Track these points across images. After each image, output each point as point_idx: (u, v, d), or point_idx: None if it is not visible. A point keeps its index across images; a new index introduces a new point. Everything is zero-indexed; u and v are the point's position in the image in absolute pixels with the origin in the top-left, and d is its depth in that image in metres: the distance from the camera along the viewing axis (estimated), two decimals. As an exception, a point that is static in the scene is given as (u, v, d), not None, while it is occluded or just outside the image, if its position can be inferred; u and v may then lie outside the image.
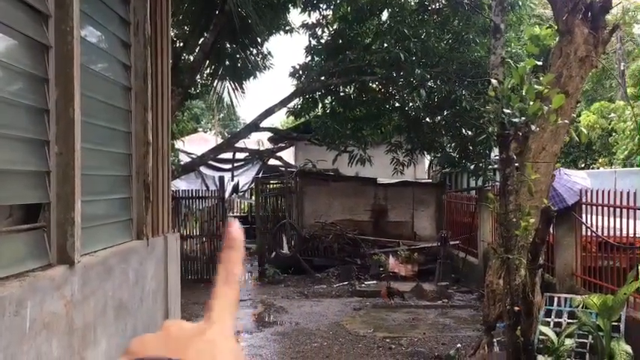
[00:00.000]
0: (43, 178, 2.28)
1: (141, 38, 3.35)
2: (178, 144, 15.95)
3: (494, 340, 6.98)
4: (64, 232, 2.36)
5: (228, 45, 11.84)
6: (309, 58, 12.44)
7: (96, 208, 2.86)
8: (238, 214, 22.81)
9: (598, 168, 17.65)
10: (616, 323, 6.41)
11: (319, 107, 12.97)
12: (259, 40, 12.35)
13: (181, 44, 11.74)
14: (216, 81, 12.32)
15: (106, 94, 2.99)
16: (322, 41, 12.40)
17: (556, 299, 7.36)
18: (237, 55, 12.29)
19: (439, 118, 12.37)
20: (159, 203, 3.65)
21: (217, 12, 10.22)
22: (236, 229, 0.65)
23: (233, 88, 12.64)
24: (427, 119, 12.35)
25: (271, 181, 15.82)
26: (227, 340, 0.56)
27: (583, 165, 19.16)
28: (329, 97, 12.83)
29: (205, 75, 12.44)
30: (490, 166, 11.60)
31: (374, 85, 12.74)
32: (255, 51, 12.82)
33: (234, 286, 0.63)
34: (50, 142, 2.29)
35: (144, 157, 3.37)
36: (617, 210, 7.19)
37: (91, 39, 2.85)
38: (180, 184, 14.60)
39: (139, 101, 3.33)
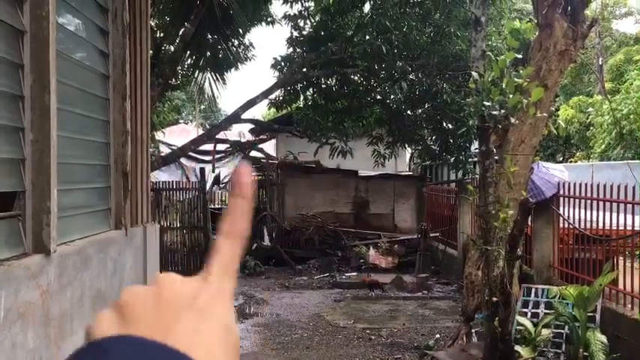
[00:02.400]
0: (18, 165, 2.24)
1: (119, 26, 3.31)
2: (159, 135, 15.83)
3: (473, 330, 7.06)
4: (40, 220, 2.33)
5: (209, 36, 11.74)
6: (291, 49, 12.40)
7: (73, 197, 2.82)
8: (219, 206, 22.73)
9: (576, 161, 17.89)
10: (592, 314, 6.51)
11: (301, 99, 12.94)
12: (241, 31, 12.26)
13: (162, 34, 11.62)
14: (197, 72, 12.20)
15: (83, 81, 2.94)
16: (304, 33, 12.35)
17: (533, 290, 7.46)
18: (219, 46, 12.19)
19: (420, 111, 12.42)
20: (138, 193, 3.62)
21: (198, 2, 10.12)
22: (246, 173, 0.56)
23: (214, 80, 12.54)
24: (408, 112, 12.39)
25: (253, 173, 15.77)
26: (222, 307, 0.50)
27: (561, 158, 19.40)
28: (311, 89, 12.81)
29: (186, 66, 12.32)
30: (470, 159, 11.70)
31: (355, 78, 12.74)
32: (236, 42, 12.73)
33: (238, 240, 0.54)
34: (25, 130, 2.25)
35: (122, 147, 3.34)
36: (594, 202, 7.29)
37: (68, 25, 2.80)
38: (161, 176, 14.49)
39: (117, 90, 3.29)
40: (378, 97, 12.64)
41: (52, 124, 2.34)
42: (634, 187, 6.56)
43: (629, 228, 6.75)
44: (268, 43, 21.11)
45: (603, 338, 6.00)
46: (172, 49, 11.01)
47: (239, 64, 13.08)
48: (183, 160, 15.50)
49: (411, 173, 17.28)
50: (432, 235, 13.17)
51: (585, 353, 6.06)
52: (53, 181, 2.38)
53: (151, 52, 10.71)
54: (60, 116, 2.49)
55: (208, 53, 11.93)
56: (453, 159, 12.26)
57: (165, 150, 15.53)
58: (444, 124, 12.13)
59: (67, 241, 2.67)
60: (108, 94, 3.25)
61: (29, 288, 2.19)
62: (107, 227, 3.23)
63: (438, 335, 7.73)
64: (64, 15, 2.74)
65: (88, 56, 3.05)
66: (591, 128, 17.08)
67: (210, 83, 12.49)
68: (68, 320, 2.58)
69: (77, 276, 2.65)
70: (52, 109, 2.34)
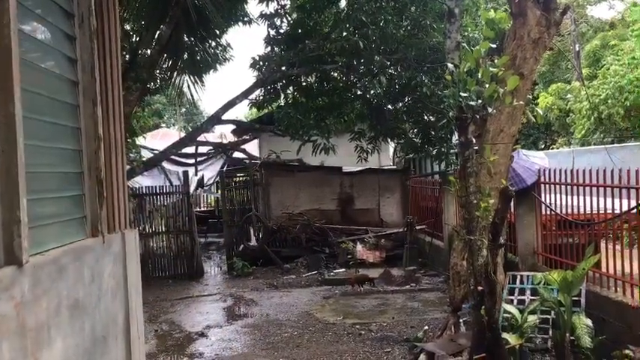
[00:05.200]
0: (-16, 177, 2.21)
1: (86, 31, 3.27)
2: (140, 140, 15.71)
3: (461, 320, 7.10)
4: (10, 231, 2.29)
5: (186, 38, 11.67)
6: (269, 48, 12.35)
7: (45, 206, 2.78)
8: (205, 209, 22.65)
9: (557, 148, 18.04)
10: (576, 298, 6.58)
11: (281, 98, 12.91)
12: (217, 32, 12.21)
13: (137, 38, 11.53)
14: (175, 75, 12.12)
15: (51, 88, 2.90)
16: (281, 31, 12.31)
17: (519, 277, 7.53)
18: (196, 48, 12.13)
19: (400, 104, 12.45)
20: (114, 199, 3.58)
21: (173, 4, 10.05)
22: None
23: (193, 82, 12.48)
24: (389, 106, 12.41)
25: (237, 174, 15.72)
26: None
27: (543, 146, 19.56)
28: (291, 88, 12.78)
29: (164, 69, 12.24)
30: (452, 150, 11.74)
31: (335, 74, 12.73)
32: (214, 43, 12.67)
33: None
34: (-10, 140, 2.21)
35: (95, 153, 3.29)
36: (575, 188, 7.36)
37: (32, 32, 2.76)
38: (144, 181, 14.40)
39: (87, 96, 3.25)
40: (359, 92, 12.65)
41: (18, 133, 2.30)
42: (612, 171, 6.63)
43: (610, 211, 6.82)
44: (246, 42, 21.06)
45: (588, 322, 6.07)
46: (149, 52, 10.93)
47: (217, 65, 13.03)
48: (165, 165, 15.39)
49: (394, 167, 17.33)
50: (418, 227, 13.23)
51: (572, 337, 6.11)
52: (22, 190, 2.34)
53: (126, 56, 10.65)
54: (27, 125, 2.45)
55: (185, 56, 11.86)
56: (435, 151, 12.32)
57: (147, 155, 15.41)
58: (425, 117, 12.18)
59: (41, 251, 2.63)
60: (78, 101, 3.20)
61: (2, 300, 2.15)
62: (83, 235, 3.19)
63: (426, 327, 7.76)
64: (27, 22, 2.69)
65: (54, 63, 3.00)
66: (571, 114, 17.23)
67: (188, 86, 12.43)
68: (45, 331, 2.54)
69: (52, 286, 2.61)
70: (17, 118, 2.30)
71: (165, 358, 7.56)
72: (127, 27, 11.18)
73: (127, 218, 3.84)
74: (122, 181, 3.76)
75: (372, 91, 11.85)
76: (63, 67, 3.09)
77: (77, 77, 3.22)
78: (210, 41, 12.26)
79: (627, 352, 5.68)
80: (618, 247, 6.79)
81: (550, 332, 6.79)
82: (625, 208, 6.43)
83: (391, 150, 18.67)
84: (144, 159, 13.12)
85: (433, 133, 12.18)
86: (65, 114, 3.08)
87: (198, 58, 12.12)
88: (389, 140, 14.39)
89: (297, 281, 12.10)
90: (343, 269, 12.69)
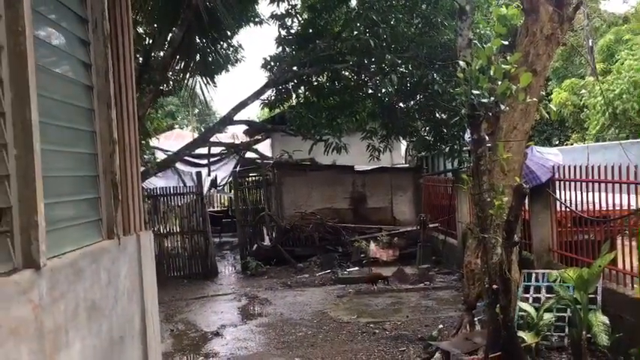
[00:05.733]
0: (3, 182, 2.24)
1: (100, 36, 3.30)
2: (154, 141, 15.82)
3: (476, 319, 7.08)
4: (28, 235, 2.32)
5: (197, 40, 11.72)
6: (280, 48, 12.38)
7: (62, 209, 2.82)
8: (219, 209, 22.75)
9: (571, 144, 17.89)
10: (592, 295, 6.53)
11: (293, 98, 12.93)
12: (229, 33, 12.25)
13: (150, 41, 11.60)
14: (187, 76, 12.18)
15: (66, 93, 2.93)
16: (292, 31, 12.34)
17: (534, 275, 7.49)
18: (208, 50, 12.18)
19: (412, 102, 12.43)
20: (129, 202, 3.61)
21: (185, 7, 10.11)
22: None
23: (205, 83, 12.52)
24: (400, 104, 12.40)
25: (249, 174, 15.77)
26: None
27: (557, 142, 19.40)
28: (302, 87, 12.80)
29: (176, 71, 12.31)
30: (465, 148, 11.69)
31: (346, 73, 12.73)
32: (225, 44, 12.72)
33: None
34: (8, 145, 2.24)
35: (110, 156, 3.33)
36: (590, 184, 7.30)
37: (47, 38, 2.79)
38: (158, 182, 14.50)
39: (102, 99, 3.28)
40: (370, 91, 12.64)
41: (34, 139, 2.33)
42: (628, 167, 6.57)
43: (625, 208, 6.76)
44: (258, 43, 21.12)
45: (605, 319, 6.02)
46: (162, 55, 10.99)
47: (229, 66, 13.09)
48: (179, 165, 15.49)
49: (407, 165, 17.29)
50: (431, 225, 13.19)
51: (588, 335, 6.07)
52: (39, 195, 2.38)
53: (140, 59, 10.72)
54: (43, 130, 2.48)
55: (198, 57, 11.91)
56: (447, 149, 12.28)
57: (161, 156, 15.51)
58: (437, 115, 12.15)
59: (58, 254, 2.67)
60: (92, 105, 3.24)
61: (20, 303, 2.18)
62: (99, 238, 3.23)
63: (441, 325, 7.74)
64: (42, 28, 2.73)
65: (69, 68, 3.04)
66: (585, 110, 17.08)
67: (201, 87, 12.48)
68: (63, 333, 2.58)
69: (70, 288, 2.64)
70: (33, 123, 2.34)
71: (181, 358, 7.61)
72: (140, 30, 11.25)
73: (142, 220, 3.88)
74: (137, 183, 3.79)
75: (383, 90, 11.82)
76: (78, 71, 3.12)
77: (92, 82, 3.25)
78: (221, 42, 12.31)
79: (645, 349, 5.64)
80: (634, 243, 6.73)
81: (566, 330, 6.75)
82: (641, 204, 6.37)
83: (403, 148, 18.63)
84: (158, 160, 13.22)
85: (445, 130, 12.14)
86: (81, 118, 3.11)
87: (210, 59, 12.16)
88: (401, 138, 14.36)
89: (310, 280, 12.12)
90: (357, 268, 12.69)
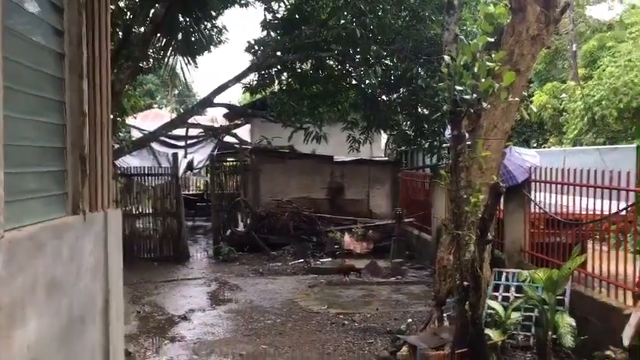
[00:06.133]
0: (-40, 147, 2.13)
1: (74, 2, 3.17)
2: (130, 120, 15.54)
3: (445, 314, 7.09)
4: (-15, 205, 2.22)
5: (180, 18, 11.49)
6: (265, 32, 12.20)
7: (24, 180, 2.70)
8: (194, 192, 22.54)
9: (549, 147, 18.07)
10: (561, 297, 6.59)
11: (275, 83, 12.77)
12: (213, 13, 12.02)
13: (131, 16, 11.33)
14: (168, 55, 11.94)
15: (35, 60, 2.80)
16: (278, 16, 12.15)
17: (504, 274, 7.52)
18: (191, 29, 11.94)
19: (395, 95, 12.36)
20: (98, 177, 3.50)
21: (169, -18, 9.88)
22: None
23: (186, 63, 12.29)
24: (383, 97, 12.32)
25: (227, 159, 15.61)
26: None
27: (535, 144, 19.57)
28: (285, 74, 12.64)
29: (157, 48, 12.05)
30: (445, 144, 11.69)
31: (331, 62, 12.61)
32: (209, 25, 12.48)
33: None
34: (-33, 108, 2.13)
35: (79, 129, 3.21)
36: (565, 187, 7.34)
37: (19, 1, 2.66)
38: (133, 161, 14.25)
39: (73, 69, 3.16)
40: (354, 81, 12.55)
41: (-3, 104, 2.22)
42: (603, 172, 6.61)
43: (599, 212, 6.81)
44: (242, 25, 20.86)
45: (572, 321, 6.07)
46: (142, 30, 10.74)
47: (212, 47, 12.84)
48: (155, 146, 15.22)
49: (386, 159, 17.28)
50: (406, 220, 13.22)
51: (554, 336, 6.12)
52: (0, 163, 2.27)
53: (119, 34, 10.47)
54: (8, 95, 2.37)
55: (180, 36, 11.67)
56: (427, 144, 12.27)
57: (137, 135, 15.25)
58: (419, 110, 12.11)
59: (18, 226, 2.56)
60: (63, 74, 3.11)
61: (-28, 275, 2.08)
62: (63, 213, 3.11)
63: (410, 320, 7.75)
64: (13, -11, 2.60)
65: (40, 33, 2.91)
66: (564, 114, 17.23)
67: (182, 67, 12.25)
68: (20, 308, 2.48)
69: (29, 262, 2.54)
70: (-4, 86, 2.22)
71: (146, 340, 7.50)
72: (121, 3, 10.98)
73: (111, 197, 3.77)
74: (107, 159, 3.67)
75: (367, 81, 11.75)
76: (49, 38, 3.00)
77: (64, 50, 3.13)
78: (205, 22, 12.07)
79: (609, 352, 5.69)
80: (605, 247, 6.80)
81: (533, 330, 6.80)
82: (614, 209, 6.42)
83: (383, 141, 18.61)
84: (133, 139, 12.98)
85: (426, 126, 12.11)
86: (49, 87, 2.99)
87: (192, 38, 11.92)
88: (381, 131, 14.31)
89: (283, 269, 12.06)
90: (330, 259, 12.67)
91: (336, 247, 12.85)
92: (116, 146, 12.25)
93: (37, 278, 2.62)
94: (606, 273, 6.51)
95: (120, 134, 13.22)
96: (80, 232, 3.19)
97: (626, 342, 5.57)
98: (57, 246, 2.84)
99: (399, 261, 12.20)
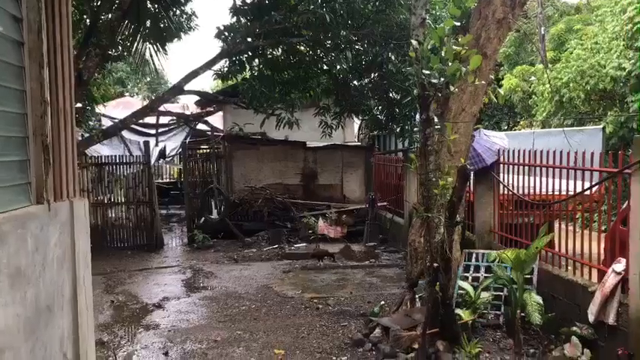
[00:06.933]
0: None
1: (33, -12, 3.12)
2: (100, 108, 15.32)
3: (417, 296, 7.20)
4: (-57, 195, 2.19)
5: (149, 4, 11.33)
6: (235, 18, 12.08)
7: (-16, 170, 2.67)
8: (167, 181, 22.36)
9: (520, 129, 18.31)
10: (529, 276, 6.74)
11: (247, 70, 12.68)
12: (182, -1, 11.88)
13: (98, 3, 11.13)
14: (136, 42, 11.77)
15: (-8, 48, 2.76)
16: (248, 1, 12.04)
17: (474, 255, 7.66)
18: (160, 16, 11.78)
19: (366, 80, 12.40)
20: (62, 166, 3.46)
21: (136, -32, 9.72)
22: None
23: (156, 50, 12.14)
24: (355, 82, 12.35)
25: (200, 146, 15.50)
26: None
27: (506, 127, 19.82)
28: (256, 60, 12.56)
29: (126, 35, 11.86)
30: (416, 128, 11.79)
31: (302, 48, 12.56)
32: (178, 11, 12.33)
33: None
34: None
35: (41, 117, 3.17)
36: (534, 169, 7.48)
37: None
38: (103, 150, 14.09)
39: (33, 57, 3.11)
40: (325, 67, 12.53)
41: (-49, 93, 2.18)
42: (568, 153, 6.75)
43: (565, 193, 6.95)
44: (212, 11, 20.60)
45: (539, 299, 6.21)
46: (110, 17, 10.57)
47: (182, 34, 12.69)
48: (125, 134, 15.05)
49: (359, 144, 17.35)
50: (379, 204, 13.32)
51: (523, 314, 6.26)
52: (-43, 153, 2.24)
53: (87, 21, 10.27)
54: (-36, 85, 2.33)
55: (148, 22, 11.51)
56: (398, 128, 12.35)
57: (107, 124, 15.04)
58: (390, 94, 12.16)
59: (-21, 217, 2.53)
60: (23, 62, 3.06)
61: None
62: (27, 202, 3.08)
63: (383, 302, 7.85)
64: (-34, -25, 2.55)
65: (-4, 21, 2.86)
66: (533, 97, 17.46)
67: (151, 54, 12.09)
68: (-17, 299, 2.46)
69: (-9, 253, 2.52)
70: (-49, 76, 2.19)
71: (120, 329, 7.47)
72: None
73: (76, 186, 3.73)
74: (71, 147, 3.64)
75: (338, 66, 11.74)
76: (6, 25, 2.94)
77: (22, 37, 3.07)
78: (174, 8, 11.93)
79: (574, 329, 5.87)
80: (571, 227, 6.96)
81: (502, 309, 6.95)
82: (579, 189, 6.57)
83: (356, 126, 18.66)
84: (104, 127, 12.79)
85: (397, 110, 12.19)
86: (8, 75, 2.94)
87: (161, 25, 11.77)
88: (354, 116, 14.35)
89: (257, 255, 12.09)
90: (304, 244, 12.73)
91: (310, 232, 12.91)
92: (86, 135, 12.09)
93: (0, 268, 2.60)
94: (572, 251, 6.67)
95: (90, 123, 13.02)
96: (45, 222, 3.16)
97: (591, 318, 5.75)
98: (20, 236, 2.82)
99: (373, 245, 12.33)
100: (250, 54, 12.15)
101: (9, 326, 2.65)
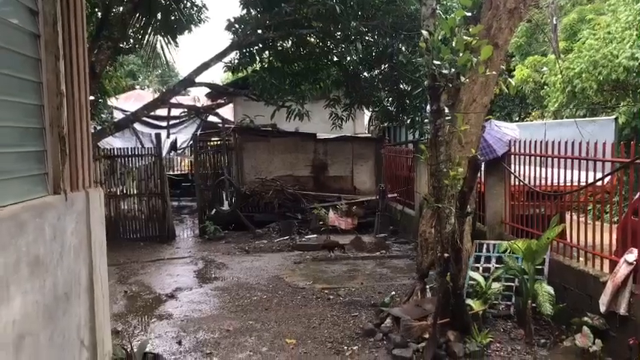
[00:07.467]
0: (-63, 128, 2.15)
1: (48, -18, 3.16)
2: (112, 101, 15.41)
3: (427, 286, 7.22)
4: (-36, 185, 2.25)
5: (160, -4, 11.36)
6: (245, 10, 12.09)
7: (3, 161, 2.72)
8: (179, 173, 22.48)
9: (531, 120, 18.21)
10: (540, 266, 6.75)
11: (257, 62, 12.70)
12: (193, -9, 11.90)
13: (110, -5, 11.18)
14: (148, 35, 11.82)
15: (9, 40, 2.81)
16: (258, -8, 12.04)
17: (485, 246, 7.67)
18: (171, 8, 11.82)
19: (377, 72, 12.38)
20: (78, 157, 3.52)
21: (146, -39, 9.75)
22: None
23: (167, 43, 12.18)
24: (365, 73, 12.33)
25: (211, 138, 15.58)
26: None
27: (517, 118, 19.71)
28: (266, 52, 12.58)
29: (137, 28, 11.92)
30: (426, 120, 11.76)
31: (312, 39, 12.55)
32: (189, 3, 12.36)
33: None
34: (-57, 90, 2.15)
35: (57, 109, 3.22)
36: (545, 159, 7.46)
37: (-10, -19, 2.66)
38: (115, 142, 14.19)
39: (49, 50, 3.16)
40: (335, 58, 12.52)
41: (-28, 85, 2.24)
42: (580, 144, 6.73)
43: (577, 184, 6.94)
44: (222, 3, 20.62)
45: (550, 289, 6.23)
46: (121, 10, 10.62)
47: (192, 26, 12.72)
48: (137, 126, 15.14)
49: (369, 135, 17.33)
50: (390, 195, 13.34)
51: (534, 304, 6.29)
52: (-23, 144, 2.29)
53: (98, 14, 10.33)
54: (-17, 76, 2.38)
55: (159, 15, 11.56)
56: (409, 120, 12.33)
57: (119, 116, 15.14)
58: (400, 85, 12.14)
59: (0, 205, 2.59)
60: (39, 54, 3.11)
61: (-45, 254, 2.12)
62: (44, 192, 3.14)
63: (394, 292, 7.88)
64: (-16, -31, 2.60)
65: (13, 13, 2.90)
66: (545, 87, 17.34)
67: (162, 47, 12.14)
68: (4, 286, 2.52)
69: (11, 241, 2.57)
70: (-29, 68, 2.24)
71: (133, 319, 7.57)
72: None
73: (92, 177, 3.79)
74: (87, 138, 3.69)
75: (348, 58, 11.73)
76: (23, 18, 2.99)
77: (39, 30, 3.12)
78: (185, 1, 11.96)
79: (586, 319, 5.88)
80: (582, 218, 6.95)
81: (513, 299, 6.97)
82: (591, 180, 6.55)
83: (366, 118, 18.64)
84: (115, 120, 12.89)
85: (408, 101, 12.16)
86: (25, 68, 2.99)
87: (172, 17, 11.81)
88: (364, 108, 14.34)
89: (268, 246, 12.16)
90: (315, 235, 12.77)
91: (320, 223, 12.94)
92: (98, 128, 12.19)
93: (20, 257, 2.66)
94: (584, 242, 6.67)
95: (102, 115, 13.12)
96: (62, 212, 3.22)
97: (602, 308, 5.76)
98: (39, 225, 2.88)
99: (383, 236, 12.35)
100: (260, 46, 12.17)
101: (29, 313, 2.72)
